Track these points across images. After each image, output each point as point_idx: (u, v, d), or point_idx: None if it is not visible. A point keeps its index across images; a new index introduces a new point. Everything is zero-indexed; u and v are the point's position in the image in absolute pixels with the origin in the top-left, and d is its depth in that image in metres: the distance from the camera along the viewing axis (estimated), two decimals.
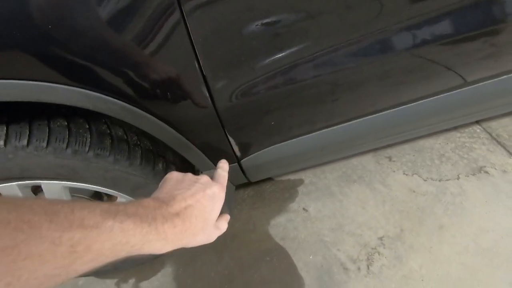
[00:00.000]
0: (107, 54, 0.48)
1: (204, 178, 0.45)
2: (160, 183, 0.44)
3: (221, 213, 0.46)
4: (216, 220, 0.44)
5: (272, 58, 0.56)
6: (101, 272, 1.09)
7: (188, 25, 0.49)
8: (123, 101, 0.53)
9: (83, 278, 1.14)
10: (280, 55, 0.58)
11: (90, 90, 0.48)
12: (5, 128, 0.58)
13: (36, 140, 0.60)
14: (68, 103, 0.48)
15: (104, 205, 0.29)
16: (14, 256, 0.20)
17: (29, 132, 0.60)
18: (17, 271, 0.21)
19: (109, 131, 0.69)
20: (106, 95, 0.51)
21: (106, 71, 0.51)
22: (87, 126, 0.67)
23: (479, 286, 0.93)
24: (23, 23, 0.41)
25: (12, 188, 0.66)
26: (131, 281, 1.12)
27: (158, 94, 0.55)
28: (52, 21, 0.42)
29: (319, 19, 0.54)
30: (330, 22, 0.56)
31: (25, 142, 0.59)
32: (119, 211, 0.30)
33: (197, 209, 0.38)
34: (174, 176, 0.44)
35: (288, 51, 0.58)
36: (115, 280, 1.13)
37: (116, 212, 0.29)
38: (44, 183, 0.68)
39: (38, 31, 0.42)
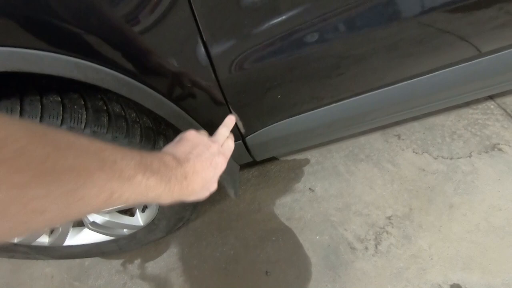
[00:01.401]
0: (99, 19, 0.43)
1: (214, 147, 0.47)
2: (177, 139, 0.46)
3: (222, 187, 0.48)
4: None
5: (276, 20, 0.51)
6: (106, 253, 1.08)
7: None
8: (117, 71, 0.49)
9: (89, 258, 1.14)
10: (283, 19, 0.52)
11: (81, 58, 0.44)
12: None
13: (29, 117, 0.57)
14: (55, 73, 0.44)
15: (136, 158, 0.32)
16: (72, 198, 0.24)
17: (21, 108, 0.56)
18: (71, 210, 0.24)
19: (106, 108, 0.66)
20: (99, 64, 0.46)
21: (99, 38, 0.46)
22: (83, 102, 0.63)
23: (490, 264, 0.91)
24: None
25: None
26: (137, 261, 1.12)
27: (155, 63, 0.51)
28: None
29: None
30: None
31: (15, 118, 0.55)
32: (147, 167, 0.32)
33: (201, 176, 0.42)
34: (191, 137, 0.46)
35: (291, 15, 0.52)
36: (121, 261, 1.13)
37: (145, 167, 0.32)
38: None
39: None
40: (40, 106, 0.58)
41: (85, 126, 0.61)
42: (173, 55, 0.51)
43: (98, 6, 0.42)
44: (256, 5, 0.49)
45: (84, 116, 0.61)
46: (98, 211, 0.31)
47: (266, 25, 0.52)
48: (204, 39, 0.50)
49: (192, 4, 0.46)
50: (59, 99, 0.60)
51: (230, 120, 0.58)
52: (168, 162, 0.37)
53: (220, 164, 0.47)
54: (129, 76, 0.51)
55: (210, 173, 0.44)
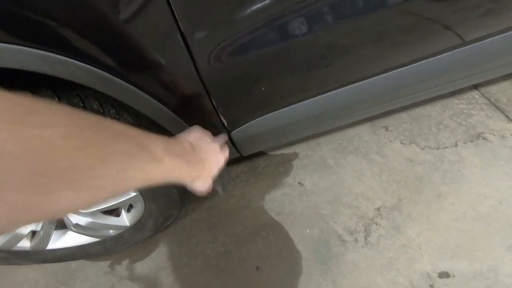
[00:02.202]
0: (67, 7, 0.40)
1: (217, 145, 0.52)
2: (187, 130, 0.51)
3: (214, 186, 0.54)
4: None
5: (256, 9, 0.49)
6: (92, 255, 1.05)
7: None
8: (88, 64, 0.46)
9: (74, 262, 1.11)
10: (265, 5, 0.50)
11: (47, 51, 0.41)
12: None
13: None
14: (18, 67, 0.41)
15: (163, 142, 0.36)
16: (123, 177, 0.28)
17: None
18: (120, 188, 0.29)
19: (82, 104, 0.62)
20: (68, 57, 0.43)
21: (68, 28, 0.43)
22: (57, 99, 0.60)
23: (477, 252, 0.92)
24: None
25: None
26: (125, 262, 1.09)
27: (132, 55, 0.48)
28: None
29: None
30: None
31: None
32: (172, 151, 0.36)
33: (209, 165, 0.48)
34: (199, 131, 0.51)
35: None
36: (109, 262, 1.10)
37: (171, 151, 0.36)
38: None
39: None
40: None
41: None
42: (150, 45, 0.49)
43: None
44: None
45: None
46: (134, 189, 0.33)
47: (246, 12, 0.50)
48: (182, 29, 0.47)
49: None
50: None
51: (223, 136, 0.65)
52: (186, 147, 0.42)
53: (220, 161, 0.52)
54: (103, 70, 0.48)
55: (214, 166, 0.50)
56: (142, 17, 0.45)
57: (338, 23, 0.59)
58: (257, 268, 1.00)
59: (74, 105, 0.61)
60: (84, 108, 0.62)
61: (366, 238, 1.00)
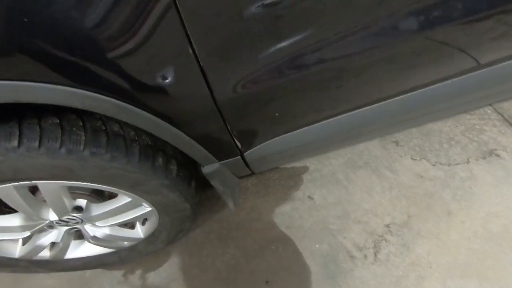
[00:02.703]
0: (92, 47, 0.43)
1: None
2: None
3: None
4: None
5: (275, 46, 0.51)
6: (107, 264, 1.09)
7: (179, 8, 0.44)
8: (115, 98, 0.49)
9: (89, 270, 1.14)
10: (283, 42, 0.53)
11: (77, 87, 0.44)
12: None
13: (27, 141, 0.57)
14: (52, 103, 0.45)
15: None
16: None
17: (19, 132, 0.56)
18: None
19: (104, 127, 0.66)
20: (95, 92, 0.47)
21: (94, 66, 0.47)
22: (81, 123, 0.63)
23: (488, 271, 0.92)
24: None
25: (8, 189, 0.64)
26: (138, 272, 1.12)
27: (153, 88, 0.51)
28: (28, 12, 0.37)
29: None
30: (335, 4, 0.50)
31: (15, 143, 0.56)
32: None
33: None
34: None
35: (291, 37, 0.53)
36: (122, 272, 1.13)
37: None
38: (40, 184, 0.65)
39: (12, 25, 0.38)
40: (39, 129, 0.58)
41: (84, 147, 0.61)
42: (171, 80, 0.52)
43: (92, 37, 0.43)
44: (253, 26, 0.49)
45: (83, 138, 0.61)
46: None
47: (264, 48, 0.52)
48: (201, 64, 0.50)
49: (189, 33, 0.46)
50: (58, 121, 0.61)
51: None
52: None
53: None
54: (126, 102, 0.51)
55: None
56: (164, 56, 0.48)
57: (350, 51, 0.61)
58: (266, 282, 1.02)
59: (97, 128, 0.65)
60: (106, 130, 0.66)
61: (375, 255, 1.00)
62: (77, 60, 0.43)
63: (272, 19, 0.48)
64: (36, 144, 0.57)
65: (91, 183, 0.68)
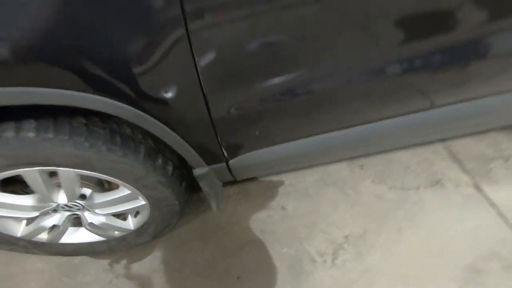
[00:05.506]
0: (129, 73, 0.61)
1: None
2: None
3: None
4: None
5: (264, 80, 0.70)
6: (96, 252, 1.20)
7: (191, 43, 0.60)
8: (136, 108, 0.66)
9: (79, 257, 1.25)
10: (270, 78, 0.72)
11: (114, 99, 0.62)
12: (35, 122, 0.70)
13: (59, 134, 0.72)
14: (96, 109, 0.61)
15: None
16: None
17: (54, 128, 0.72)
18: None
19: (119, 130, 0.82)
20: (124, 103, 0.64)
21: (123, 84, 0.64)
22: (101, 124, 0.79)
23: (423, 279, 1.10)
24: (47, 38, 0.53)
25: (33, 172, 0.78)
26: (123, 262, 1.24)
27: (164, 103, 0.69)
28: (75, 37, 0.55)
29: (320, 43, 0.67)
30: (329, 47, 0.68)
31: (50, 135, 0.71)
32: None
33: None
34: None
35: (277, 75, 0.72)
36: (109, 261, 1.25)
37: None
38: (60, 170, 0.80)
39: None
40: (69, 127, 0.74)
41: (102, 143, 0.77)
42: (178, 98, 0.69)
43: (129, 65, 0.60)
44: (253, 61, 0.67)
45: (102, 136, 0.77)
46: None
47: (261, 80, 0.71)
48: (204, 90, 0.68)
49: (196, 63, 0.64)
50: (84, 121, 0.77)
51: None
52: None
53: None
54: (143, 111, 0.68)
55: None
56: (174, 79, 0.66)
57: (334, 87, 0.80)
58: (238, 277, 1.16)
59: (113, 129, 0.81)
60: (120, 132, 0.82)
61: (333, 261, 1.17)
62: (119, 82, 0.61)
63: (266, 57, 0.66)
64: (66, 137, 0.73)
65: (103, 174, 0.83)
